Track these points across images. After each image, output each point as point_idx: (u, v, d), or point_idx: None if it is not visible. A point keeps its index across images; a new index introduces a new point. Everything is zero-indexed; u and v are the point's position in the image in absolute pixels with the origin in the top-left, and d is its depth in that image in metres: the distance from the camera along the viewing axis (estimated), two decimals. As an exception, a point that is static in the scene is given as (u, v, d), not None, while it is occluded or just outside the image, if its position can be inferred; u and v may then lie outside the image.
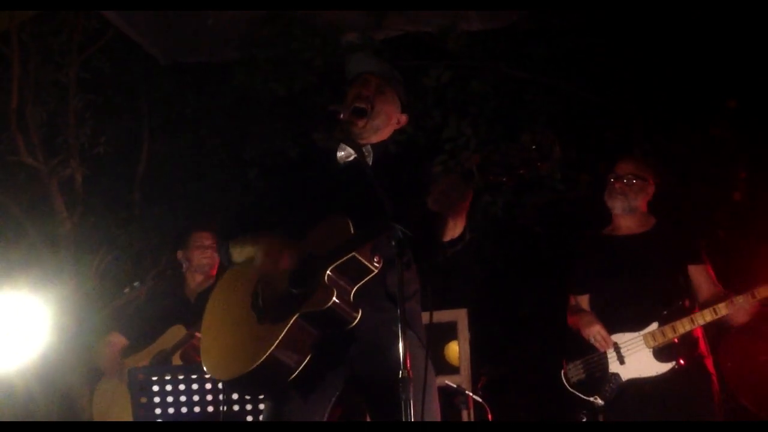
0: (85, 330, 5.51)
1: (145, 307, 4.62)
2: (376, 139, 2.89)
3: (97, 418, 4.50)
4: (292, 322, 2.55)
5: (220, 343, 2.75)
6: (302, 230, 2.73)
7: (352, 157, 2.83)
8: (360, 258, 2.56)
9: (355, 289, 2.59)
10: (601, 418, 3.90)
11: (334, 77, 5.73)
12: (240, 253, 2.83)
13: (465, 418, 4.89)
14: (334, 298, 2.52)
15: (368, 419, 2.84)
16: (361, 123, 2.83)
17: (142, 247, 6.56)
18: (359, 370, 2.71)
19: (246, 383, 2.68)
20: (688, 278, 3.85)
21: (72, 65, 6.11)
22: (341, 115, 2.83)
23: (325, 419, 2.72)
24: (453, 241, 2.64)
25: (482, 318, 6.79)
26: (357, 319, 2.57)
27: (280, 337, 2.54)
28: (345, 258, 2.55)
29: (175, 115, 7.00)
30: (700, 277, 3.85)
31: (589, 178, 5.50)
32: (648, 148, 5.48)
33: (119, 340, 4.54)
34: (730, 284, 3.90)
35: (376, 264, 2.59)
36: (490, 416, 4.79)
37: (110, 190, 6.79)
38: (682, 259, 3.86)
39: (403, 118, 2.99)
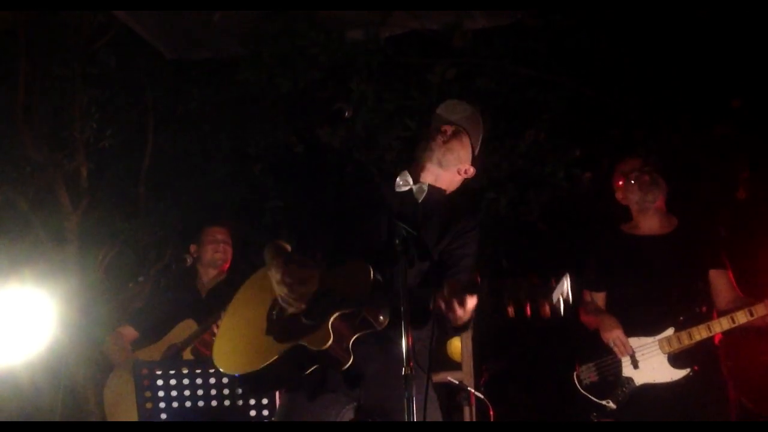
0: (90, 323, 5.53)
1: (156, 300, 4.65)
2: (435, 179, 2.99)
3: (107, 411, 4.52)
4: (288, 347, 2.68)
5: (232, 336, 2.89)
6: (337, 254, 2.84)
7: (407, 188, 2.95)
8: (367, 315, 2.68)
9: (354, 336, 2.70)
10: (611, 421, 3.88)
11: (338, 73, 5.74)
12: (267, 259, 2.92)
13: (467, 414, 4.90)
14: (330, 342, 2.63)
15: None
16: (441, 139, 2.95)
17: (146, 242, 6.58)
18: (366, 406, 2.81)
19: (244, 382, 2.91)
20: (708, 284, 3.82)
21: (78, 60, 6.12)
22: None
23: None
24: (456, 328, 2.74)
25: (485, 313, 6.80)
26: (349, 363, 2.68)
27: (274, 358, 2.68)
28: (352, 310, 2.67)
29: (180, 110, 7.00)
30: (721, 282, 3.82)
31: (592, 175, 5.51)
32: (651, 146, 5.49)
33: (130, 332, 4.57)
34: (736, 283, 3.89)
35: (381, 322, 2.68)
36: (492, 412, 4.80)
37: (115, 184, 6.81)
38: (704, 264, 3.83)
39: (471, 170, 3.08)
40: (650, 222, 3.92)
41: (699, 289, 3.78)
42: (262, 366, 2.68)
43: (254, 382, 2.84)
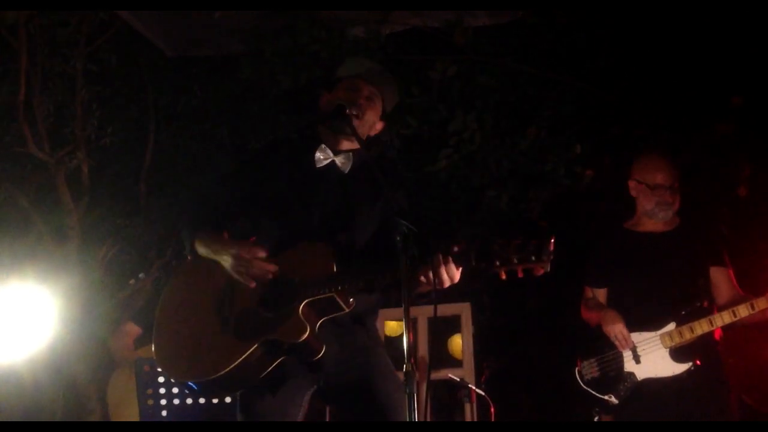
0: (92, 320, 5.54)
1: (157, 298, 4.63)
2: (351, 145, 2.88)
3: (111, 410, 4.53)
4: (257, 345, 2.57)
5: (177, 340, 2.72)
6: (275, 240, 2.74)
7: (329, 161, 2.85)
8: (338, 299, 2.59)
9: (321, 321, 2.62)
10: (610, 418, 3.88)
11: (340, 70, 5.74)
12: (206, 248, 2.78)
13: (468, 411, 4.91)
14: (308, 333, 2.55)
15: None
16: (356, 117, 2.83)
17: (147, 239, 6.58)
18: (327, 388, 2.76)
19: (204, 388, 2.77)
20: (709, 280, 3.82)
21: (79, 57, 6.12)
22: (348, 110, 2.84)
23: (296, 412, 2.76)
24: (421, 294, 2.68)
25: (486, 311, 6.82)
26: (322, 353, 2.61)
27: (243, 357, 2.56)
28: (323, 296, 2.58)
29: (181, 107, 7.00)
30: (721, 279, 3.82)
31: (593, 173, 5.51)
32: (652, 143, 5.49)
33: (134, 329, 4.57)
34: (737, 280, 3.90)
35: (350, 304, 2.61)
36: (492, 409, 4.81)
37: (116, 181, 6.82)
38: (705, 261, 3.83)
39: (379, 125, 2.98)
40: (653, 222, 3.92)
41: (700, 285, 3.79)
42: (230, 367, 2.55)
43: (214, 387, 2.71)
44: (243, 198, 2.86)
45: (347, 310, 2.62)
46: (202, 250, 2.78)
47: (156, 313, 2.82)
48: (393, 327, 5.52)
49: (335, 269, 2.59)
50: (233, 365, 2.56)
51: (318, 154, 2.85)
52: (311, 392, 2.78)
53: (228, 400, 3.59)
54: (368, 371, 2.70)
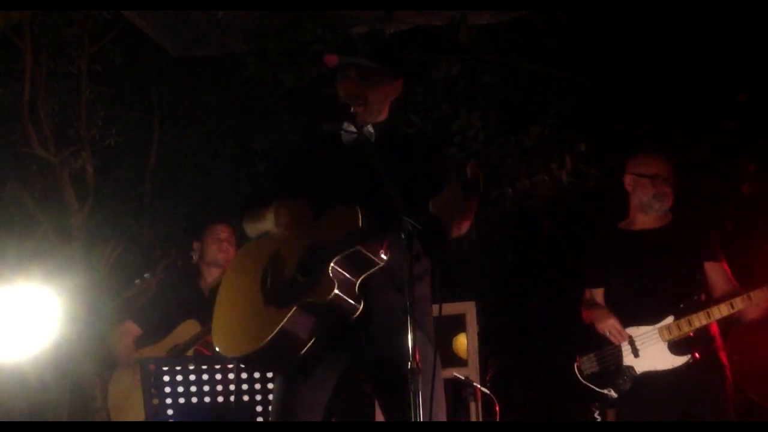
0: (97, 320, 5.56)
1: (159, 298, 4.64)
2: (376, 119, 2.92)
3: (112, 410, 4.52)
4: (293, 310, 2.61)
5: (229, 321, 2.82)
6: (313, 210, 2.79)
7: (354, 135, 2.87)
8: (365, 251, 2.59)
9: (360, 279, 2.62)
10: (613, 411, 3.89)
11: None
12: (254, 227, 2.89)
13: (473, 409, 4.91)
14: (335, 291, 2.56)
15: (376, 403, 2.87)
16: (359, 110, 2.85)
17: (152, 239, 6.60)
18: (367, 353, 2.74)
19: (252, 361, 2.79)
20: (704, 275, 3.83)
21: (83, 57, 6.15)
22: (352, 108, 2.85)
23: (328, 397, 2.76)
24: (459, 239, 2.67)
25: (491, 310, 6.81)
26: (360, 310, 2.61)
27: (282, 323, 2.60)
28: (349, 251, 2.59)
29: (185, 106, 7.03)
30: (716, 274, 3.83)
31: (598, 171, 5.50)
32: (657, 140, 5.48)
33: (133, 329, 4.56)
34: (738, 276, 3.90)
35: (382, 256, 2.61)
36: (497, 408, 4.81)
37: (121, 181, 6.84)
38: (699, 256, 3.83)
39: (399, 84, 2.99)
40: (646, 218, 3.94)
41: (697, 280, 3.81)
42: (273, 334, 2.59)
43: (263, 360, 2.73)
44: (282, 188, 2.92)
45: (380, 263, 2.61)
46: (250, 229, 2.90)
47: (215, 303, 2.90)
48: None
49: (361, 225, 2.61)
50: (276, 332, 2.60)
51: (344, 130, 2.88)
52: (346, 367, 2.77)
53: (233, 398, 3.59)
54: (395, 352, 2.60)
